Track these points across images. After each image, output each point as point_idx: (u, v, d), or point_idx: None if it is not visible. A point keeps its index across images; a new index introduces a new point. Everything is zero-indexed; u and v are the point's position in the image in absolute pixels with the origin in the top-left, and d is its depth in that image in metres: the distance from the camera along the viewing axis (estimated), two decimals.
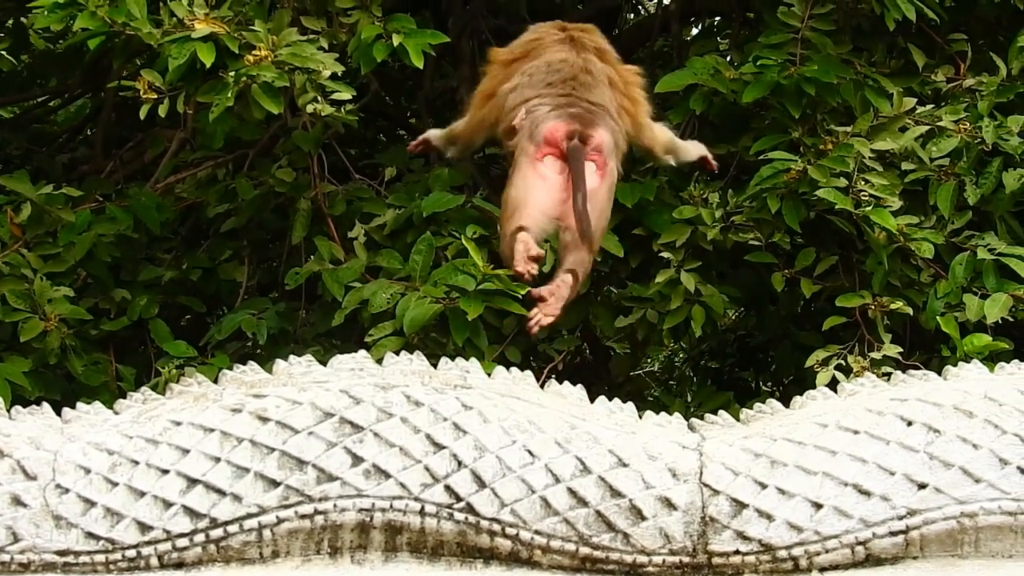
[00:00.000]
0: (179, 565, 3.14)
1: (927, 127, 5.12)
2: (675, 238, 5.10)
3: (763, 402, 3.52)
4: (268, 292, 5.79)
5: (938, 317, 4.92)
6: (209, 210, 5.57)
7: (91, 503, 3.13)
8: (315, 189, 5.39)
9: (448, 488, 3.17)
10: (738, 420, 3.46)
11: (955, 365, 3.55)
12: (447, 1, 6.24)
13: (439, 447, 3.19)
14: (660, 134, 4.55)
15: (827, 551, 3.16)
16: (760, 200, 5.03)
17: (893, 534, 3.16)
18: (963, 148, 5.08)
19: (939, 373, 3.51)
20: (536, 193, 3.78)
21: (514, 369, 3.48)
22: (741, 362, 6.50)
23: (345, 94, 4.81)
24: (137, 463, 3.17)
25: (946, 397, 3.32)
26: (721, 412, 3.51)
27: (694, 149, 4.74)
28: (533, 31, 4.44)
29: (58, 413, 3.34)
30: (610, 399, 3.49)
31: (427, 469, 3.18)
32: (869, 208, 4.87)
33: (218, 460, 3.17)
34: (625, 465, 3.20)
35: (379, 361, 3.39)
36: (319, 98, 4.78)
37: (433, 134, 4.81)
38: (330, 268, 5.18)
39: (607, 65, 4.24)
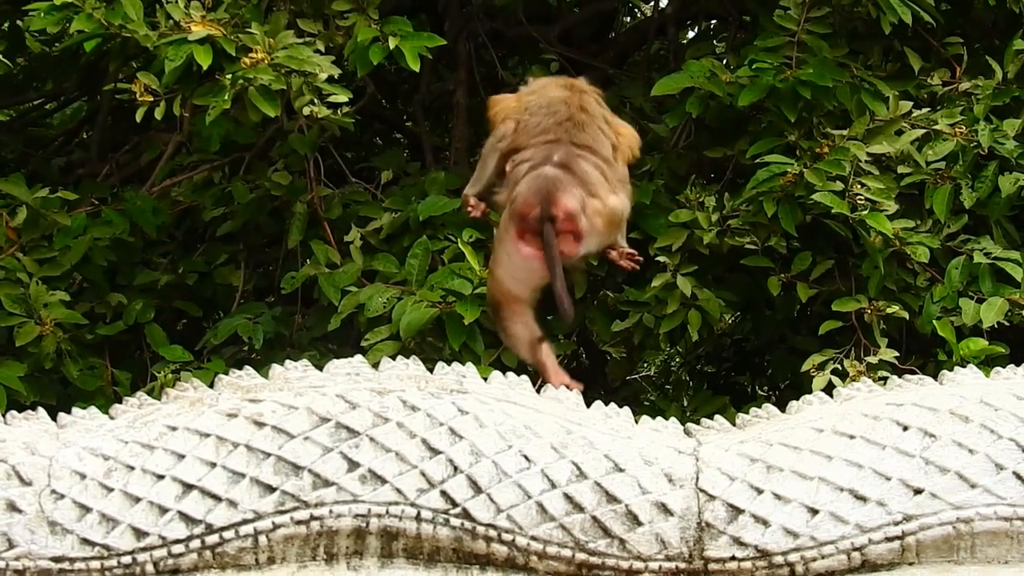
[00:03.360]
0: (175, 572, 3.12)
1: (923, 131, 5.12)
2: (671, 242, 5.11)
3: (759, 407, 3.51)
4: (264, 296, 5.79)
5: (934, 321, 4.92)
6: (205, 214, 5.57)
7: (86, 509, 3.11)
8: (311, 193, 5.39)
9: (444, 493, 3.16)
10: (734, 425, 3.45)
11: (951, 369, 3.55)
12: (444, 4, 6.24)
13: (435, 452, 3.18)
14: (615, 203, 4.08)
15: (823, 557, 3.15)
16: (756, 204, 5.04)
17: (889, 540, 3.16)
18: (959, 152, 5.08)
19: (935, 377, 3.50)
20: (523, 275, 3.88)
21: (510, 374, 3.48)
22: (737, 366, 6.51)
23: (341, 97, 4.81)
24: (132, 468, 3.15)
25: (942, 402, 3.31)
26: (717, 417, 3.50)
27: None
28: (535, 82, 4.36)
29: (53, 418, 3.33)
30: (606, 404, 3.47)
31: (423, 474, 3.17)
32: (865, 212, 4.88)
33: (214, 465, 3.16)
34: (621, 470, 3.19)
35: (375, 366, 3.38)
36: (315, 101, 4.78)
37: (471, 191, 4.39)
38: (326, 272, 5.18)
39: (604, 110, 4.19)
